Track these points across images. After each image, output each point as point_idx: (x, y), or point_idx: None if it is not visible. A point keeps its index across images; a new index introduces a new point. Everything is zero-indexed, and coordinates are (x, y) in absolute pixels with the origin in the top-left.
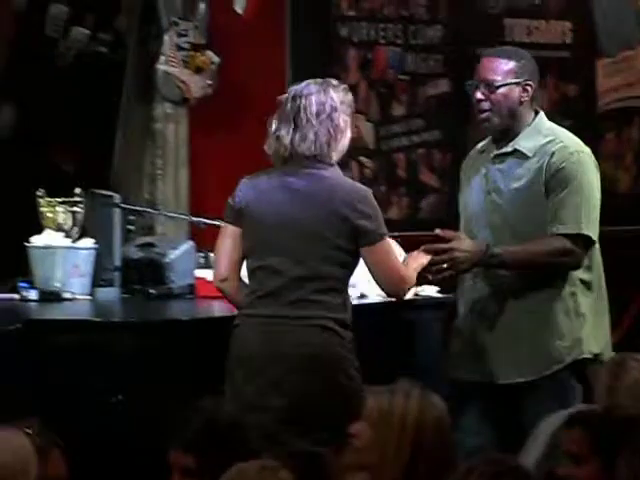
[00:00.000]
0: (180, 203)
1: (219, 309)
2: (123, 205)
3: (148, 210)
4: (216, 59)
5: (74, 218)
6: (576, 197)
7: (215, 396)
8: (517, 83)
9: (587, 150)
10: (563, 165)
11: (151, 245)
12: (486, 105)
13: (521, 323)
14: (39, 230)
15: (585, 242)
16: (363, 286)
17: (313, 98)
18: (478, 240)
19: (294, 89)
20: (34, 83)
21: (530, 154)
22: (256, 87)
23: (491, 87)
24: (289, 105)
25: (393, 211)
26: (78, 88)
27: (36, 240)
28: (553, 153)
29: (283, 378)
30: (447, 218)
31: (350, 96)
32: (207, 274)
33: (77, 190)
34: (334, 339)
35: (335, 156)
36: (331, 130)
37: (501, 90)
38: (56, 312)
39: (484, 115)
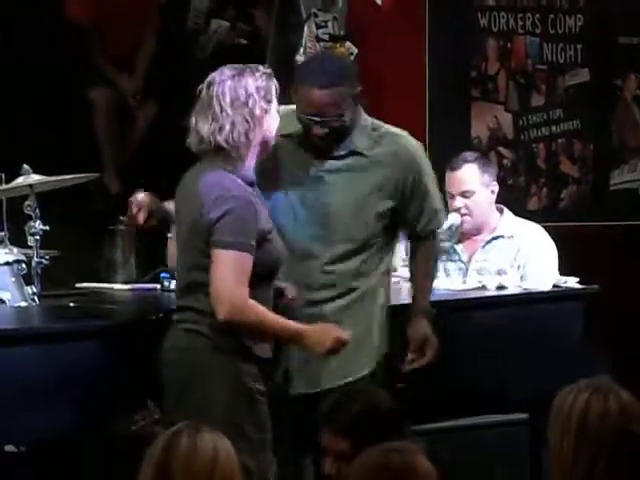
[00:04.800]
0: None
1: None
2: None
3: None
4: (355, 50)
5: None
6: (434, 188)
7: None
8: (342, 113)
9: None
10: (412, 159)
11: None
12: (323, 137)
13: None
14: None
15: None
16: (502, 277)
17: (227, 85)
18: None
19: (210, 76)
20: (176, 76)
21: (365, 152)
22: (394, 78)
23: (331, 120)
24: (204, 94)
25: (533, 202)
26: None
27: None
28: (401, 150)
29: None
30: (588, 209)
31: (271, 83)
32: None
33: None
34: (201, 343)
35: (255, 148)
36: (248, 119)
37: (343, 118)
38: None
39: (322, 144)
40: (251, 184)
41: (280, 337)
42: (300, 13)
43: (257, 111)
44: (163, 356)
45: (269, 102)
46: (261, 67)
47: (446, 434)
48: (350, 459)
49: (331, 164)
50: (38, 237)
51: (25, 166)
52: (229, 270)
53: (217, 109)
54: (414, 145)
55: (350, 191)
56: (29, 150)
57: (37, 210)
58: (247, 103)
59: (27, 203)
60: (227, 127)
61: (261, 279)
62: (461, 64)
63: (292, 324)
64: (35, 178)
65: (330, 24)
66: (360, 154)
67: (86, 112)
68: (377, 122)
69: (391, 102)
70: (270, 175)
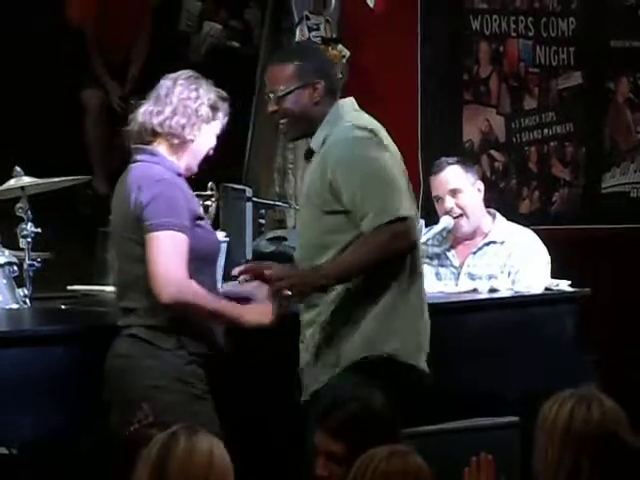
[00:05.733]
0: None
1: None
2: (255, 199)
3: (279, 204)
4: (347, 52)
5: (206, 212)
6: (372, 181)
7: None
8: (303, 86)
9: (373, 128)
10: (339, 156)
11: (282, 239)
12: (278, 117)
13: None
14: None
15: (402, 222)
16: (493, 282)
17: (181, 80)
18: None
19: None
20: None
21: (317, 149)
22: (386, 81)
23: (277, 97)
24: (159, 84)
25: (524, 205)
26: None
27: None
28: (330, 145)
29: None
30: (580, 212)
31: (224, 106)
32: None
33: (210, 184)
34: (138, 348)
35: (185, 147)
36: (190, 114)
37: (288, 97)
38: None
39: (281, 127)
40: (178, 175)
41: (221, 317)
42: (292, 16)
43: (201, 111)
44: (106, 363)
45: (212, 118)
46: (223, 92)
47: (437, 437)
48: (342, 461)
49: (308, 166)
50: (30, 239)
51: (17, 168)
52: (166, 251)
53: (162, 95)
54: (346, 136)
55: (307, 192)
56: (21, 153)
57: (29, 212)
58: (195, 102)
59: (19, 205)
60: (167, 112)
61: (198, 265)
62: (453, 67)
63: (231, 304)
64: (27, 180)
65: (322, 27)
66: (313, 152)
67: (78, 115)
68: (347, 117)
69: (383, 105)
70: None
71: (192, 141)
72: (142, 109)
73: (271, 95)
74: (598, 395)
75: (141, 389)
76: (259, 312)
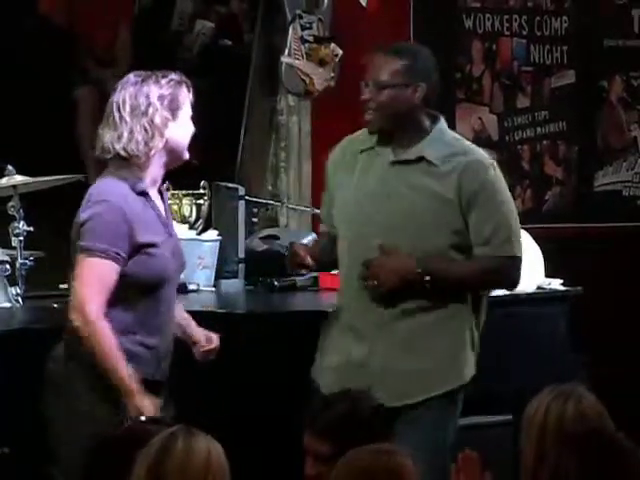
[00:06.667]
0: (303, 195)
1: None
2: (247, 197)
3: (272, 202)
4: (339, 52)
5: (199, 210)
6: (502, 215)
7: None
8: (406, 84)
9: (496, 164)
10: (481, 181)
11: (274, 237)
12: (372, 105)
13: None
14: None
15: (516, 261)
16: None
17: (128, 92)
18: (403, 256)
19: (118, 82)
20: None
21: (438, 163)
22: None
23: (378, 87)
24: (109, 100)
25: (517, 203)
26: (203, 81)
27: None
28: (467, 166)
29: None
30: (572, 210)
31: (178, 90)
32: None
33: (202, 183)
34: (62, 351)
35: (158, 157)
36: (147, 127)
37: (388, 91)
38: (181, 303)
39: (367, 116)
40: (142, 194)
41: (112, 377)
42: (285, 14)
43: (157, 119)
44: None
45: (174, 110)
46: (172, 74)
47: None
48: (329, 461)
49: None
50: (22, 238)
51: (9, 167)
52: (86, 277)
53: (117, 116)
54: (479, 161)
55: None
56: (12, 151)
57: (21, 211)
58: (147, 112)
59: (11, 204)
60: (125, 135)
61: (142, 290)
62: (446, 66)
63: (129, 377)
64: (19, 179)
65: (315, 25)
66: (430, 163)
67: (70, 113)
68: (456, 136)
69: None
70: None
71: (161, 146)
72: (106, 137)
73: (370, 83)
74: (578, 391)
75: (64, 394)
76: (145, 403)
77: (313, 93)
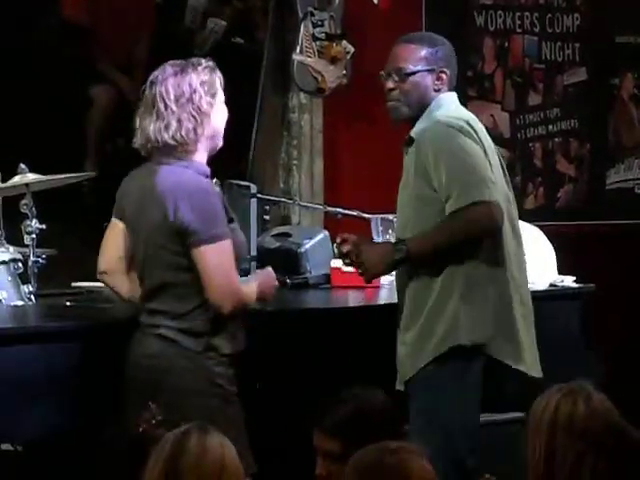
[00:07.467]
0: (315, 193)
1: (354, 299)
2: (259, 195)
3: (284, 200)
4: (351, 49)
5: None
6: (452, 168)
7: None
8: (430, 70)
9: (464, 119)
10: (430, 144)
11: (287, 235)
12: (395, 94)
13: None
14: None
15: (478, 207)
16: None
17: (169, 82)
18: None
19: (153, 74)
20: None
21: (416, 137)
22: None
23: (401, 75)
24: (147, 93)
25: (529, 201)
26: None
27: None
28: (422, 136)
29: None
30: (585, 208)
31: (214, 76)
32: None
33: (214, 181)
34: (171, 349)
35: (204, 143)
36: (195, 115)
37: (412, 78)
38: None
39: (391, 104)
40: (207, 176)
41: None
42: (296, 12)
43: (204, 106)
44: (132, 360)
45: (214, 95)
46: (203, 61)
47: None
48: (339, 459)
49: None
50: (34, 236)
51: (22, 165)
52: (221, 262)
53: (162, 107)
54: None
55: (405, 177)
56: (26, 149)
57: (33, 209)
58: (192, 99)
59: (23, 202)
60: (174, 124)
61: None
62: (458, 63)
63: (250, 285)
64: (31, 177)
65: (326, 23)
66: (413, 140)
67: (83, 112)
68: (443, 108)
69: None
70: None
71: (208, 132)
72: (150, 127)
73: (392, 73)
74: (587, 389)
75: (176, 391)
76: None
77: (325, 91)
